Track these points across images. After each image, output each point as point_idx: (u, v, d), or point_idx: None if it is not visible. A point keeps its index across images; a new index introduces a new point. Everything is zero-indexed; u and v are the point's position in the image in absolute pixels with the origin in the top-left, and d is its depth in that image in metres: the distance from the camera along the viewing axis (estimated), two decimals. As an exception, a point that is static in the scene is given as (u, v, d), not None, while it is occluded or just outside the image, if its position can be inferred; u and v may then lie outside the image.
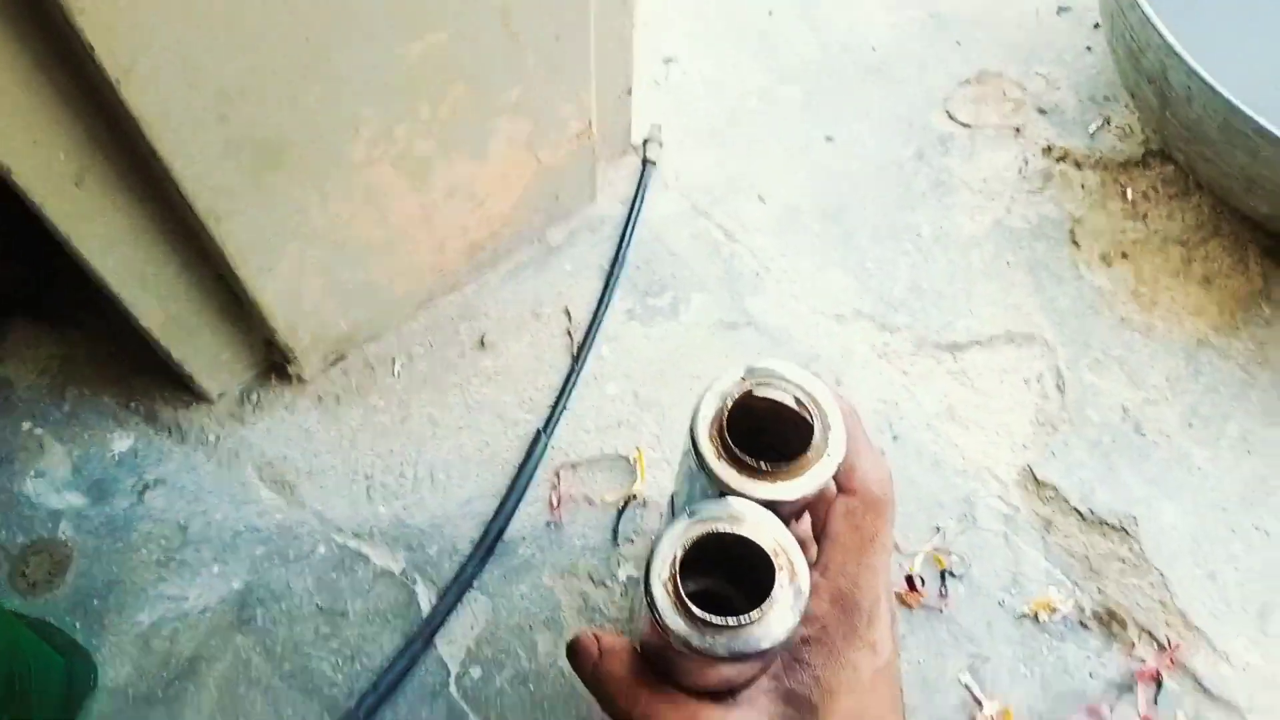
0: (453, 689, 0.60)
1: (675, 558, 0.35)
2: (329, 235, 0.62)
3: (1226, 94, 0.68)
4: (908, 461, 0.70)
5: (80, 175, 0.50)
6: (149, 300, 0.59)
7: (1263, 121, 0.67)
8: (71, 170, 0.50)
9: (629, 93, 0.79)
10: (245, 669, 0.60)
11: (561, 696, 0.60)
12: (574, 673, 0.40)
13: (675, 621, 0.33)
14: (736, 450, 0.43)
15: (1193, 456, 0.71)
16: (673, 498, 0.58)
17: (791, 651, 0.45)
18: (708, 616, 0.33)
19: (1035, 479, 0.69)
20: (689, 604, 0.33)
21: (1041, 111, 0.92)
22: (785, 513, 0.46)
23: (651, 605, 0.34)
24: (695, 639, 0.33)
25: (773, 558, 0.36)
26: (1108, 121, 0.92)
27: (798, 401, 0.44)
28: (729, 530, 0.37)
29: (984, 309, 0.78)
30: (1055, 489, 0.69)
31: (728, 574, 0.43)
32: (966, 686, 0.62)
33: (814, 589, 0.40)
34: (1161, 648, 0.63)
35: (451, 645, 0.62)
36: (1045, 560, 0.66)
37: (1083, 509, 0.68)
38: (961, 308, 0.78)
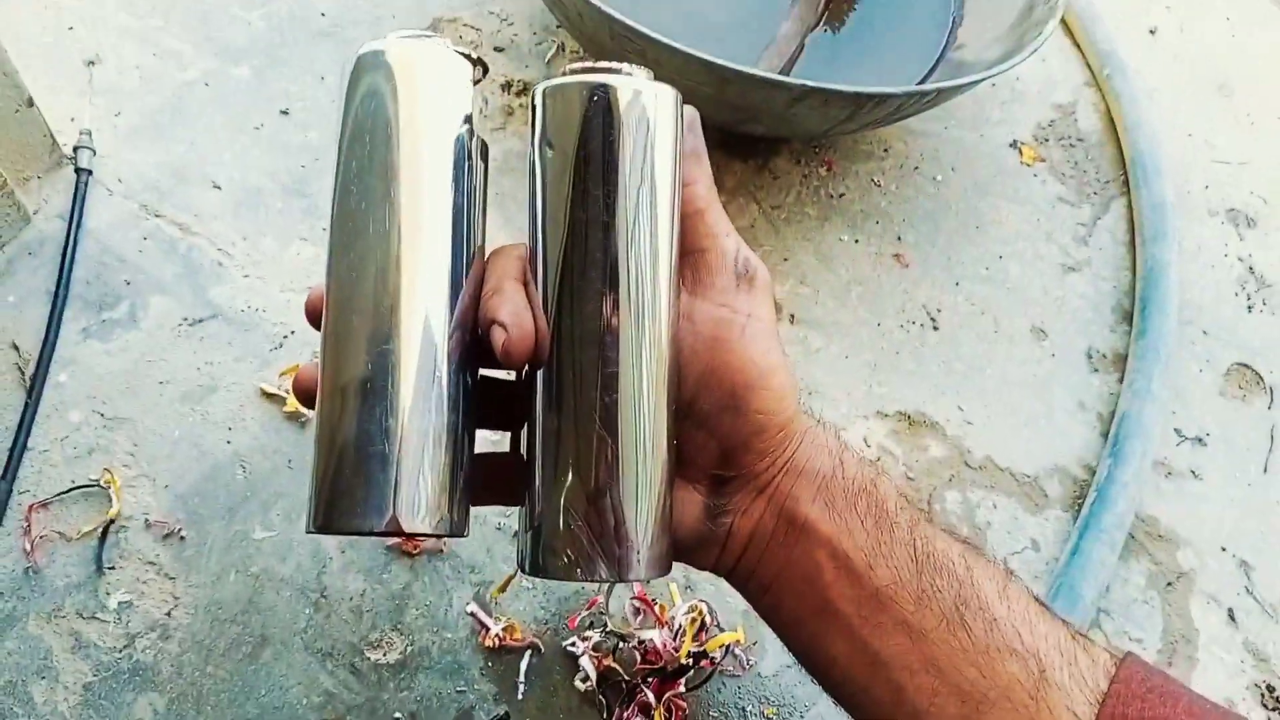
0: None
1: None
2: None
3: (600, 4, 0.73)
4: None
5: None
6: None
7: (638, 26, 0.71)
8: None
9: (30, 104, 0.74)
10: None
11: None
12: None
13: None
14: None
15: None
16: None
17: None
18: None
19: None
20: None
21: (498, 50, 0.97)
22: None
23: None
24: None
25: None
26: (562, 48, 0.97)
27: None
28: None
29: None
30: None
31: None
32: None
33: None
34: None
35: (-71, 728, 0.57)
36: None
37: None
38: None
